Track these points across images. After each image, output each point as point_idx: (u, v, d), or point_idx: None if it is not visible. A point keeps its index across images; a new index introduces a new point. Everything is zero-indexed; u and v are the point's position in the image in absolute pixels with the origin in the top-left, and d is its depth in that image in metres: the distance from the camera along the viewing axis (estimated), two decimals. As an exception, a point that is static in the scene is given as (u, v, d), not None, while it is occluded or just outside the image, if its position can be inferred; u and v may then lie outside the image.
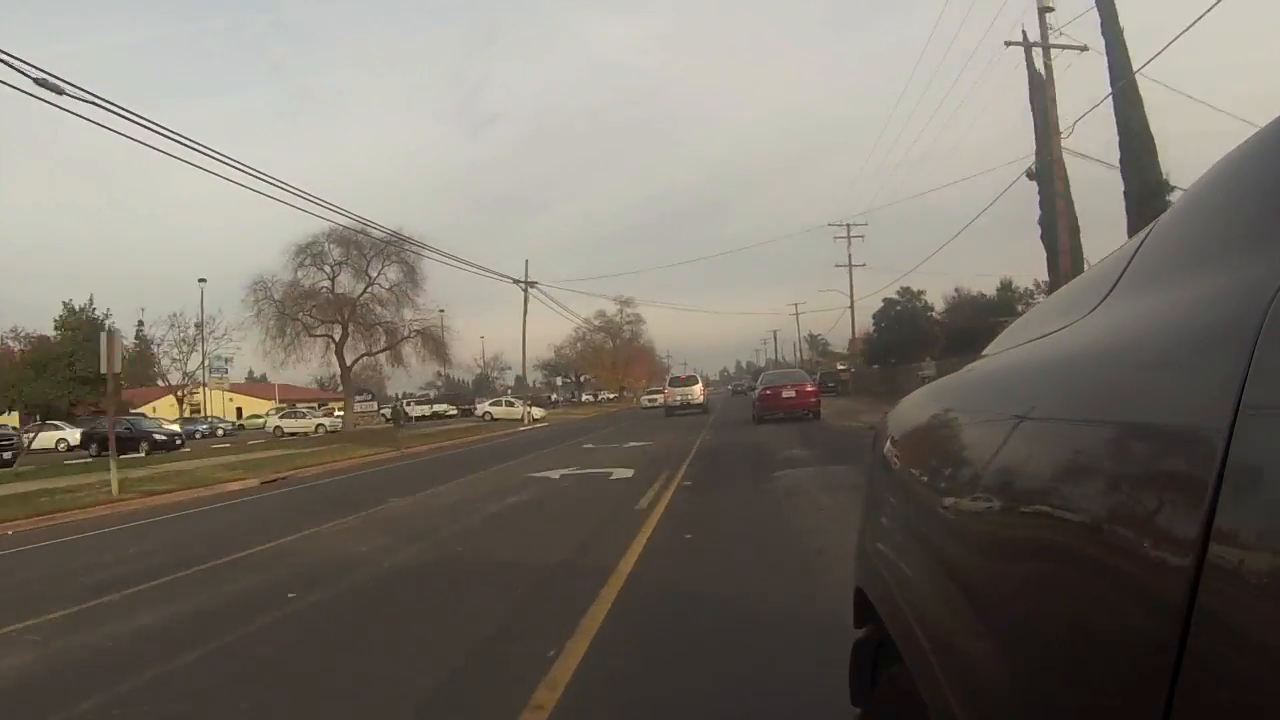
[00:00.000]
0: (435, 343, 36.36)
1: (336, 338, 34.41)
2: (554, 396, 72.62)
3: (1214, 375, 0.51)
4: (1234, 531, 0.44)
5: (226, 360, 43.66)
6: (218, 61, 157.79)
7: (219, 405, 49.81)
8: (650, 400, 42.80)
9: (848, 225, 45.22)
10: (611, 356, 67.95)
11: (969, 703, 0.72)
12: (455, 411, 51.43)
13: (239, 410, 59.34)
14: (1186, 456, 0.51)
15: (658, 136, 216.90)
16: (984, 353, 1.23)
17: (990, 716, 0.68)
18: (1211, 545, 0.44)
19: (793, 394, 20.30)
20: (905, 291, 37.12)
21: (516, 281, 36.72)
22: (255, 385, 67.77)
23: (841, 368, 51.02)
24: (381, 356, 36.26)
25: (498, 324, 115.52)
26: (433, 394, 60.35)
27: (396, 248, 33.43)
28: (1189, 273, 0.69)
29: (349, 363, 35.18)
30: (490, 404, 43.31)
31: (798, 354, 78.45)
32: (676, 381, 36.19)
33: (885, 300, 37.89)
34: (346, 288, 35.05)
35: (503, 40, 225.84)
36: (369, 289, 34.76)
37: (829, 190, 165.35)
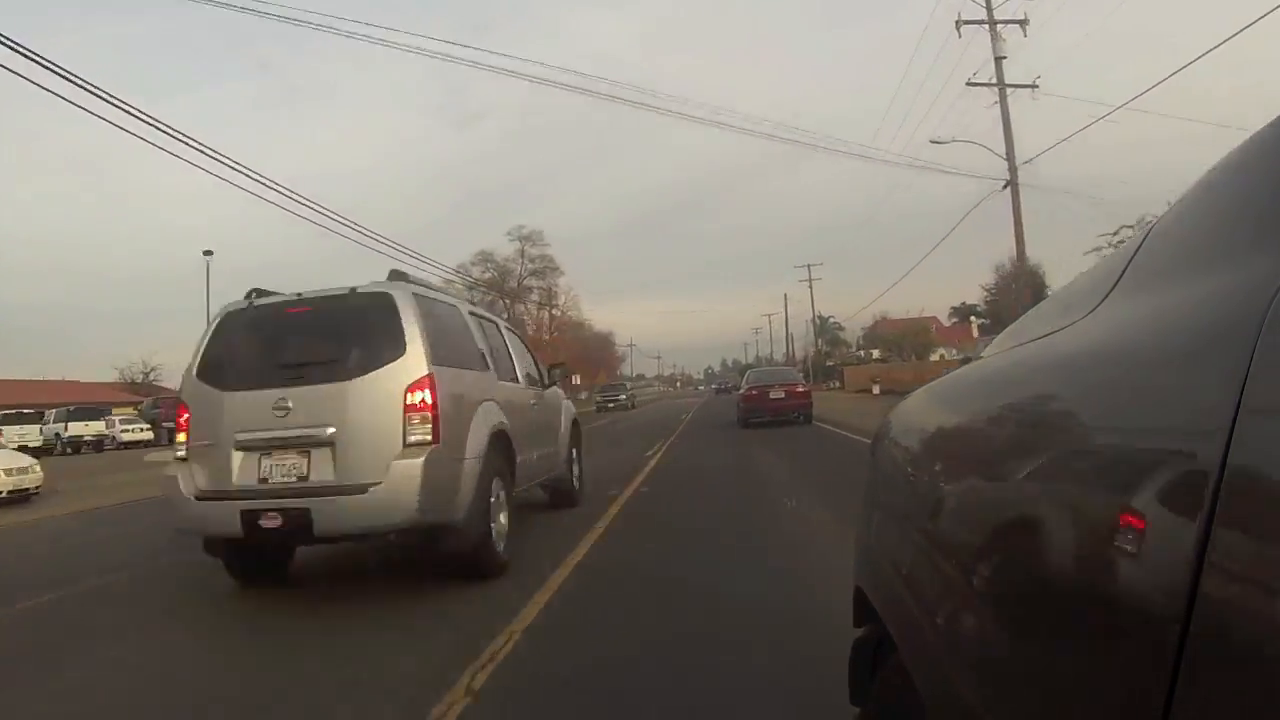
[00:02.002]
0: None
1: None
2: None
3: (1214, 375, 0.51)
4: (1234, 530, 0.44)
5: None
6: (203, 57, 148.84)
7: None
8: None
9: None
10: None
11: (972, 700, 0.72)
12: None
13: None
14: (1187, 456, 0.52)
15: (646, 132, 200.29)
16: (984, 353, 1.24)
17: (994, 712, 0.68)
18: (1212, 544, 0.45)
19: (782, 394, 18.71)
20: None
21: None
22: (43, 385, 44.35)
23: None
24: None
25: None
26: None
27: None
28: (1189, 273, 0.69)
29: None
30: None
31: (810, 341, 57.80)
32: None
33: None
34: None
35: (492, 35, 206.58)
36: None
37: (826, 186, 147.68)
